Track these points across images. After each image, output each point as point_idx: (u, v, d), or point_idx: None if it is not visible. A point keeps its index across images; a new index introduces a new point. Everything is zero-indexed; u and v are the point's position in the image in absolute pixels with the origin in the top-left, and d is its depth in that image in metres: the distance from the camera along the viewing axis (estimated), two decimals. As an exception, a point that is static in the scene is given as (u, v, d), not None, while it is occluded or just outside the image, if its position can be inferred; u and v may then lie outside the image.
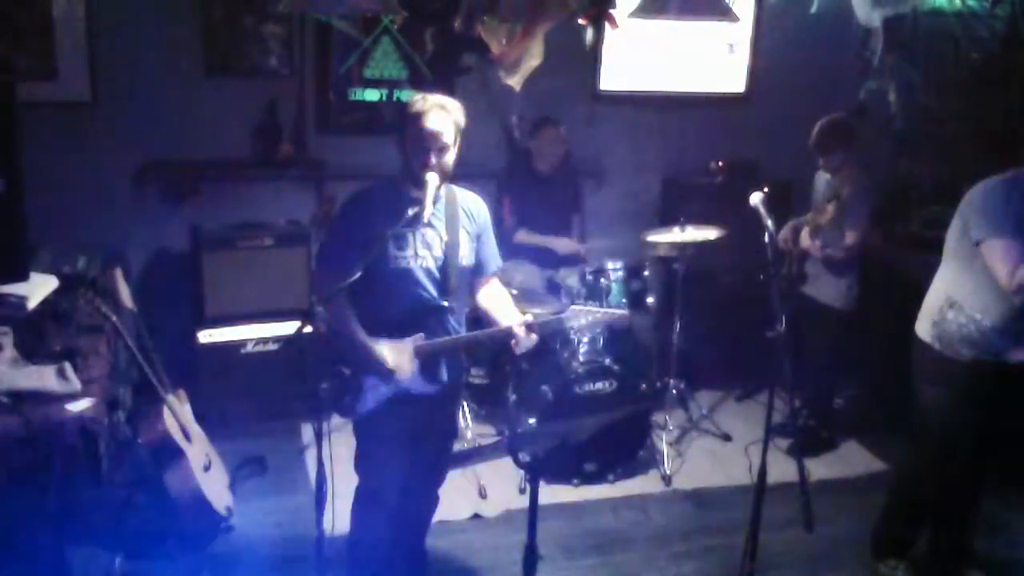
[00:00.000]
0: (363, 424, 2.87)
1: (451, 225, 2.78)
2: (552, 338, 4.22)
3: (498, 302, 2.95)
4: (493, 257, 2.96)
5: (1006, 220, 2.89)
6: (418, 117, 2.65)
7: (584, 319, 2.93)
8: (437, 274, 2.77)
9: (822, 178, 4.33)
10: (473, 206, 2.88)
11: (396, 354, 2.72)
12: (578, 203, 4.83)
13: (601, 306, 4.13)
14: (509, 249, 4.67)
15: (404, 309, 2.75)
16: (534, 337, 2.80)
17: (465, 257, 2.82)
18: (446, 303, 2.78)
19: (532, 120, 4.64)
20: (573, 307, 2.96)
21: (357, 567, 3.03)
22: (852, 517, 3.81)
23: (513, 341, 2.79)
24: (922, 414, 3.28)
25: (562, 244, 4.61)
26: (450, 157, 2.71)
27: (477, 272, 2.91)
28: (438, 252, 2.77)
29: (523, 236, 4.61)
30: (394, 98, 4.75)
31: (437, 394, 2.87)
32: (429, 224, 2.73)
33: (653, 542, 3.70)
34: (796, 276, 4.30)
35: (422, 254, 2.74)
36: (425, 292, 2.76)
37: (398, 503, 3.05)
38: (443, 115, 2.67)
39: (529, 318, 2.83)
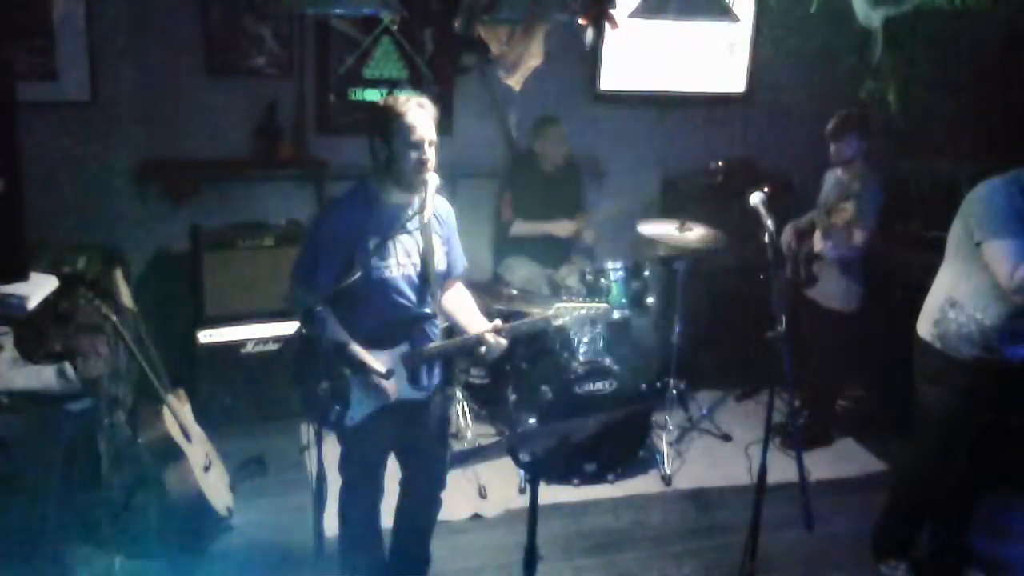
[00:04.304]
0: (348, 433, 2.84)
1: (424, 231, 2.76)
2: (552, 338, 4.22)
3: (462, 306, 2.94)
4: (459, 260, 2.96)
5: (1007, 221, 2.89)
6: (403, 117, 2.62)
7: (568, 316, 2.90)
8: (417, 281, 2.75)
9: (831, 177, 4.32)
10: (441, 210, 2.86)
11: (389, 377, 2.70)
12: (582, 202, 4.82)
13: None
14: (511, 246, 4.67)
15: (388, 319, 2.73)
16: (503, 342, 2.77)
17: (440, 262, 2.81)
18: (428, 310, 2.78)
19: (533, 120, 4.63)
20: (558, 305, 2.92)
21: (351, 567, 3.03)
22: (852, 517, 3.81)
23: (483, 348, 2.77)
24: (923, 413, 3.28)
25: (559, 227, 4.57)
26: (434, 153, 2.69)
27: (445, 275, 2.89)
28: (416, 259, 2.75)
29: (520, 227, 4.59)
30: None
31: (425, 400, 2.87)
32: (407, 231, 2.72)
33: (653, 542, 3.70)
34: (805, 278, 4.29)
35: (403, 262, 2.72)
36: (407, 301, 2.74)
37: (401, 506, 3.06)
38: (424, 113, 2.65)
39: (498, 323, 2.81)
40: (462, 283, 3.02)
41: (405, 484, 3.07)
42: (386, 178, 2.71)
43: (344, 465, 2.93)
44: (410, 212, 2.68)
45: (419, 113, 2.64)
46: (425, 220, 2.71)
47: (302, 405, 2.75)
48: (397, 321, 2.74)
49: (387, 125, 2.64)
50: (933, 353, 3.17)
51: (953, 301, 3.10)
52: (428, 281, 2.76)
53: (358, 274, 2.50)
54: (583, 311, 2.92)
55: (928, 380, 3.22)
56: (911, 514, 3.47)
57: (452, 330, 2.98)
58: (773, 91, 5.27)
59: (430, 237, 2.76)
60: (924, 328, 3.22)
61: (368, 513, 3.00)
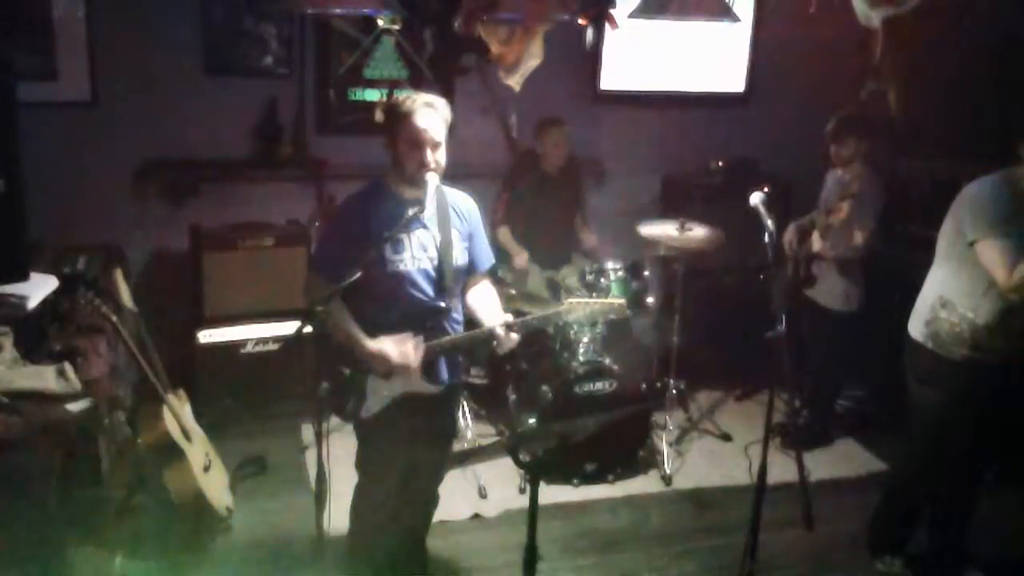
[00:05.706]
0: (366, 426, 2.85)
1: (443, 225, 2.77)
2: (552, 338, 4.22)
3: (485, 302, 2.92)
4: (485, 256, 2.95)
5: (1000, 219, 2.89)
6: (408, 116, 2.63)
7: (582, 312, 2.88)
8: (434, 274, 2.76)
9: (832, 177, 4.33)
10: (463, 205, 2.87)
11: (400, 346, 2.70)
12: (582, 203, 4.82)
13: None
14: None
15: (402, 312, 2.73)
16: (515, 337, 2.77)
17: (458, 257, 2.81)
18: (443, 304, 2.78)
19: (535, 121, 4.62)
20: (570, 300, 2.91)
21: (357, 567, 3.03)
22: (852, 517, 3.80)
23: (495, 343, 2.77)
24: (917, 413, 3.28)
25: (519, 259, 4.52)
26: (442, 155, 2.69)
27: (469, 271, 2.89)
28: (433, 253, 2.76)
29: (504, 234, 4.58)
30: (394, 98, 4.76)
31: (439, 394, 2.86)
32: (423, 225, 2.73)
33: (653, 542, 3.70)
34: (804, 278, 4.29)
35: (418, 256, 2.73)
36: (422, 294, 2.75)
37: (399, 504, 3.06)
38: (432, 113, 2.65)
39: (509, 318, 2.80)
40: (489, 281, 3.00)
41: (403, 480, 3.05)
42: (395, 174, 2.73)
43: (361, 461, 2.93)
44: (410, 213, 2.67)
45: (427, 113, 2.64)
46: (426, 219, 2.71)
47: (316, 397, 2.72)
48: (413, 314, 2.74)
49: (394, 123, 2.67)
50: (925, 353, 3.16)
51: (944, 301, 3.09)
52: (444, 275, 2.76)
53: (358, 273, 2.50)
54: (596, 307, 2.89)
55: (921, 380, 3.22)
56: (906, 512, 3.47)
57: (473, 326, 2.97)
58: (773, 91, 5.27)
59: (448, 232, 2.77)
60: (915, 328, 3.22)
61: (382, 511, 2.97)
